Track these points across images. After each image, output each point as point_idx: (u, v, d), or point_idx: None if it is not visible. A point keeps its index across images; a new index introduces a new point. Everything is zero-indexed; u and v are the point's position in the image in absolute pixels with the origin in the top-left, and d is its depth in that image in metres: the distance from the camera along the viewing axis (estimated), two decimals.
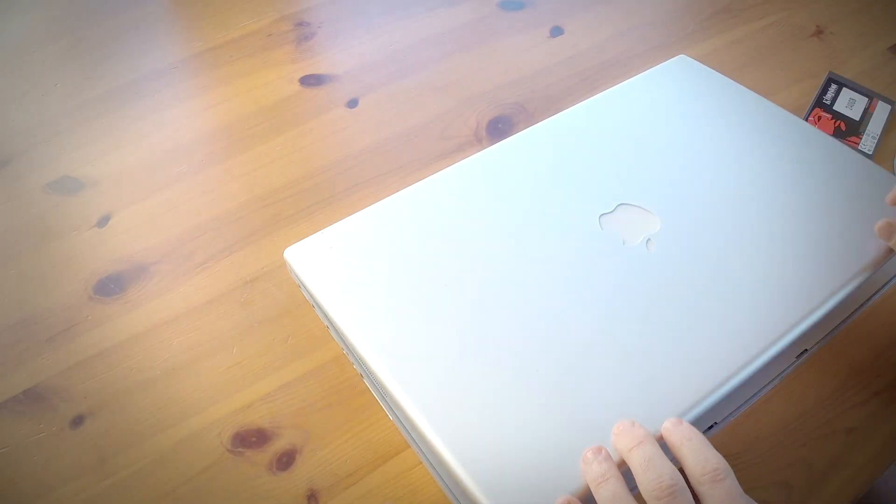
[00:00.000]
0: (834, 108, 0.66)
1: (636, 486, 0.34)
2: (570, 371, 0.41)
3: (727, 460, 0.47)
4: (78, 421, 0.46)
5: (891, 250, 0.45)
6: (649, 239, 0.46)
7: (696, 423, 0.39)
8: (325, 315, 0.45)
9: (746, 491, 0.45)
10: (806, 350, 0.46)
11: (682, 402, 0.40)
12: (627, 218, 0.47)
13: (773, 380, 0.46)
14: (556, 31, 0.72)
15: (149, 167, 0.59)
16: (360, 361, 0.43)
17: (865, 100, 0.67)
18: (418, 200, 0.49)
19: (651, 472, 0.33)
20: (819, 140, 0.53)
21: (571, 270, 0.45)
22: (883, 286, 0.49)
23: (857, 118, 0.65)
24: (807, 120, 0.65)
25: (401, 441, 0.46)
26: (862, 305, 0.48)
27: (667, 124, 0.54)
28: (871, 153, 0.63)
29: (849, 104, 0.66)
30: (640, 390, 0.40)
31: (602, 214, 0.47)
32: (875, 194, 0.48)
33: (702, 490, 0.33)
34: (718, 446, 0.38)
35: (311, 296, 0.45)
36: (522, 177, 0.51)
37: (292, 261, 0.46)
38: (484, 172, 0.51)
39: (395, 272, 0.45)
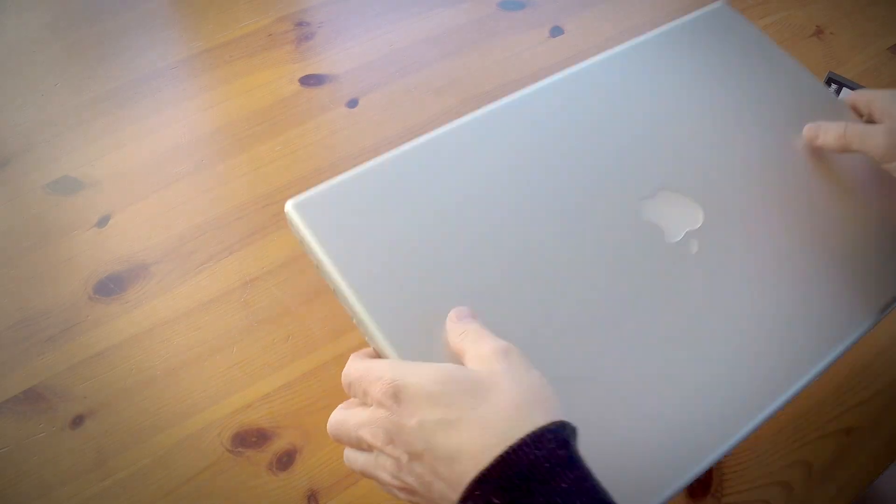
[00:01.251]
0: None
1: None
2: (584, 369, 0.38)
3: (726, 460, 0.47)
4: (78, 421, 0.46)
5: None
6: (691, 236, 0.43)
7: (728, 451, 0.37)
8: (328, 274, 0.40)
9: (746, 490, 0.45)
10: None
11: (710, 436, 0.37)
12: (669, 207, 0.43)
13: None
14: (556, 31, 0.72)
15: (149, 167, 0.59)
16: (361, 324, 0.39)
17: None
18: (437, 153, 0.43)
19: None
20: None
21: (604, 260, 0.41)
22: None
23: None
24: None
25: None
26: None
27: (708, 89, 0.49)
28: None
29: None
30: (661, 408, 0.37)
31: (642, 199, 0.43)
32: None
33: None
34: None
35: (314, 253, 0.41)
36: (552, 133, 0.45)
37: (294, 215, 0.41)
38: (510, 124, 0.45)
39: (406, 231, 0.41)
